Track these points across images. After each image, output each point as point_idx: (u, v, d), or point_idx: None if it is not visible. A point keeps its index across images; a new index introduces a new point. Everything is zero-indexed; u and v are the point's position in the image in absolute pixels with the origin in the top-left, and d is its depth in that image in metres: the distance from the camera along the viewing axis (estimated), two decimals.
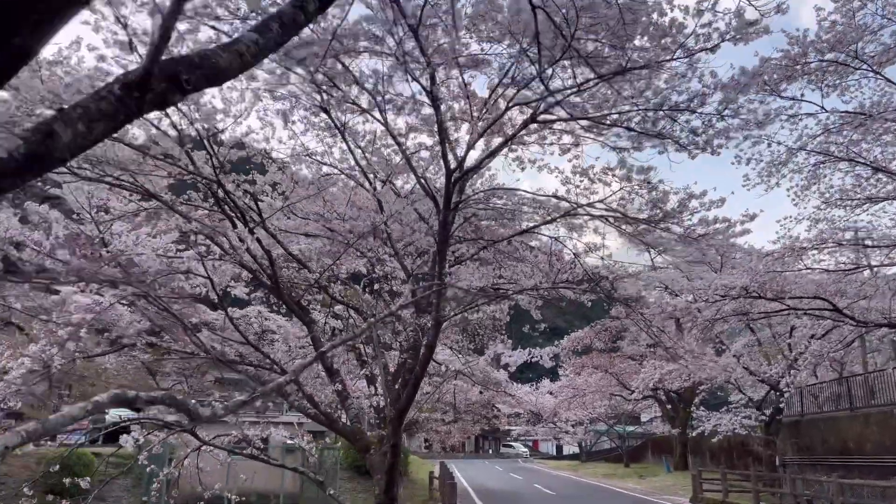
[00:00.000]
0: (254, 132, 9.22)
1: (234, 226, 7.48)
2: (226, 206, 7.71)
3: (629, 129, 6.94)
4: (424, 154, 9.58)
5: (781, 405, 20.27)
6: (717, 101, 6.21)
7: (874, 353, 27.80)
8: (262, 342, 16.43)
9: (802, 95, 12.12)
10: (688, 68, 6.50)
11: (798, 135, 12.99)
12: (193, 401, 2.62)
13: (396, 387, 9.61)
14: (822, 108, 12.21)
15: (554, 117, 7.09)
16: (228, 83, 8.47)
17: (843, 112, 12.14)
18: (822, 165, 13.54)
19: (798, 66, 10.90)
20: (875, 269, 14.84)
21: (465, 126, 8.42)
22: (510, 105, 6.79)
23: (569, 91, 6.31)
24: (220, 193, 7.76)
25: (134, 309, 8.16)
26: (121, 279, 6.39)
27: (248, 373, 7.68)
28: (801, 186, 14.10)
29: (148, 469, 7.70)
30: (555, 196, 8.28)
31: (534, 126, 8.02)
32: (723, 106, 6.16)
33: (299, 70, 6.47)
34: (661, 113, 6.72)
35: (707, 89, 6.13)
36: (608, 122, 6.86)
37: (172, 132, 7.88)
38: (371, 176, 9.33)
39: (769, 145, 13.37)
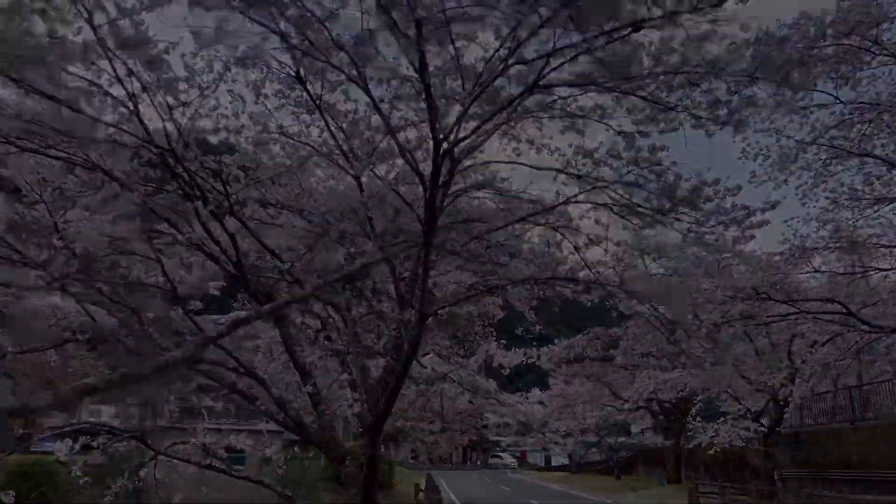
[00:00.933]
0: (223, 106, 8.37)
1: (192, 201, 6.57)
2: (182, 182, 6.79)
3: (643, 97, 6.12)
4: (411, 136, 8.78)
5: (786, 415, 19.47)
6: (747, 61, 5.40)
7: (867, 366, 27.11)
8: (242, 349, 15.45)
9: (815, 85, 11.38)
10: (710, 27, 5.69)
11: (809, 128, 12.25)
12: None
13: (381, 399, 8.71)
14: (837, 98, 11.49)
15: (558, 83, 6.26)
16: (192, 48, 7.61)
17: (859, 103, 11.40)
18: (832, 161, 12.77)
19: (815, 50, 10.17)
20: (886, 272, 14.09)
21: (457, 108, 7.62)
22: (509, 63, 5.96)
23: (578, 46, 5.47)
24: (179, 169, 6.84)
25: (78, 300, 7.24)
26: (47, 261, 5.49)
27: (207, 372, 6.79)
28: (810, 185, 13.33)
29: (82, 481, 6.73)
30: (557, 170, 7.44)
31: (533, 102, 7.19)
32: (754, 66, 5.34)
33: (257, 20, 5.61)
34: (678, 79, 5.90)
35: (736, 46, 5.31)
36: (620, 89, 6.04)
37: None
38: (351, 157, 8.48)
39: (778, 139, 12.66)
